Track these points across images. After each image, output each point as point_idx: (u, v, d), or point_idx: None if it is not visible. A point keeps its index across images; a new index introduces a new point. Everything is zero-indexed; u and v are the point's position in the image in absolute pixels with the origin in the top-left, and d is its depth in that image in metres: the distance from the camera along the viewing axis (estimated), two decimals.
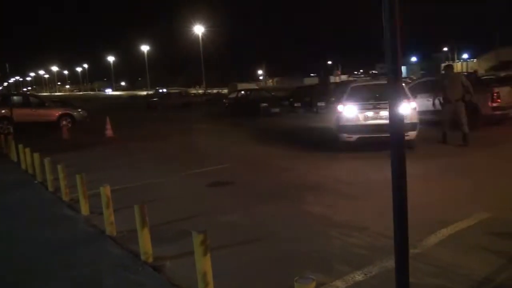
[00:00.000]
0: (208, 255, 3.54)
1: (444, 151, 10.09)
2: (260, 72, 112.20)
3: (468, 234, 4.86)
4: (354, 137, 10.24)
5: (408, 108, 9.73)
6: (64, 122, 20.03)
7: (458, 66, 69.73)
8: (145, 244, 4.52)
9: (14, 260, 4.99)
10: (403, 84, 10.42)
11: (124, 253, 4.83)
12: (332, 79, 73.34)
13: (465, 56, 78.73)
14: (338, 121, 10.56)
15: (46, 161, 7.96)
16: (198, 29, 69.53)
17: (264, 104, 23.52)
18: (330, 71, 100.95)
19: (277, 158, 10.53)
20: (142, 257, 4.54)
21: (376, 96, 10.35)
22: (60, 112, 21.03)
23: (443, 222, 5.19)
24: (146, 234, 4.52)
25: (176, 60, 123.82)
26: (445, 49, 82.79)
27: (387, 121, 9.07)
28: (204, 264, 3.52)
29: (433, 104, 10.90)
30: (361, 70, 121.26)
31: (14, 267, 4.79)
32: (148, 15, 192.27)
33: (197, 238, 3.49)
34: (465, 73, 23.19)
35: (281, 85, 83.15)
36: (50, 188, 7.96)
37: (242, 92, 27.20)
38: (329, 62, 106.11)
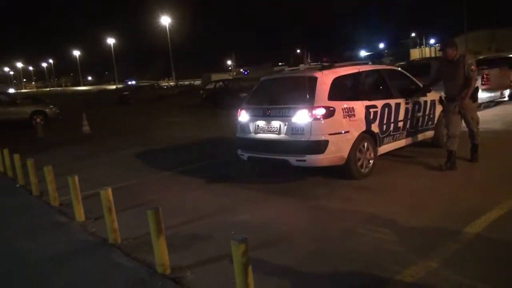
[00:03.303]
0: (250, 268, 3.04)
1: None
2: (229, 62, 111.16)
3: (506, 224, 4.52)
4: (246, 155, 7.29)
5: (307, 117, 6.27)
6: (37, 120, 19.04)
7: (426, 51, 70.31)
8: (161, 254, 3.99)
9: (10, 278, 4.36)
10: (313, 73, 6.70)
11: (136, 265, 4.27)
12: (302, 67, 72.68)
13: (432, 41, 79.51)
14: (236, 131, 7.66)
15: (29, 162, 7.24)
16: (165, 20, 68.57)
17: (244, 94, 22.89)
18: (299, 59, 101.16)
19: None
20: (159, 269, 4.01)
21: (276, 98, 7.13)
22: (32, 110, 20.04)
23: (473, 213, 4.83)
24: (163, 243, 3.99)
25: (144, 52, 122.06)
26: (413, 34, 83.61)
27: (279, 136, 6.67)
28: (246, 280, 3.00)
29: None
30: (325, 58, 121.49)
31: None
32: (113, 7, 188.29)
33: (238, 249, 2.98)
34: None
35: (253, 75, 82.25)
36: (35, 192, 7.26)
37: (220, 82, 26.44)
38: (298, 51, 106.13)
